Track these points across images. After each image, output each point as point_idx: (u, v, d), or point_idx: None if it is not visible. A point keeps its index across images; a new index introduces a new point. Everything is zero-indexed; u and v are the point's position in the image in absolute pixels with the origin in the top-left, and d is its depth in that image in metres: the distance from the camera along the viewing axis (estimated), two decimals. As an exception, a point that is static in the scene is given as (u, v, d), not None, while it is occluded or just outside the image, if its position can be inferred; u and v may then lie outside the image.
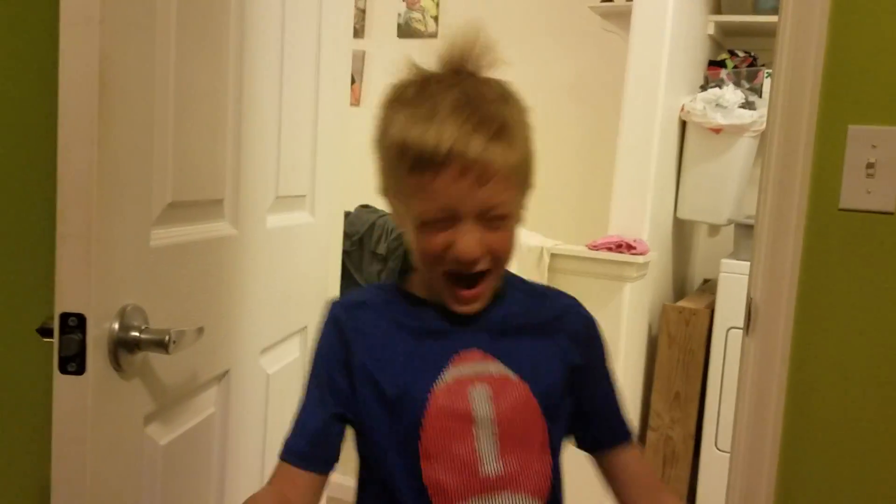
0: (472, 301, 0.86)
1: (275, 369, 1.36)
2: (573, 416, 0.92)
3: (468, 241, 0.81)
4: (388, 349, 0.87)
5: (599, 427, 0.94)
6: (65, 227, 0.80)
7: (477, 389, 0.84)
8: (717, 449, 2.44)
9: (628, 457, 0.94)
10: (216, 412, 1.15)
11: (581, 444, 0.95)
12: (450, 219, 0.81)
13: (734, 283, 2.35)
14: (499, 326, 0.89)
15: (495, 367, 0.86)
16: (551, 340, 0.90)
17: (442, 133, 0.77)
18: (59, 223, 0.80)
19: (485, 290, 0.86)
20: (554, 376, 0.88)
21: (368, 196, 3.02)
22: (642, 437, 2.51)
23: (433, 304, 0.89)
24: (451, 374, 0.84)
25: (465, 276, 0.84)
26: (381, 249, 2.81)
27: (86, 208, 0.80)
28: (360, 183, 2.40)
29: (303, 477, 0.86)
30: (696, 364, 2.46)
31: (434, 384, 0.84)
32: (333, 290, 1.69)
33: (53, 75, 0.79)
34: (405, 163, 0.80)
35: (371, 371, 0.86)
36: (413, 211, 0.82)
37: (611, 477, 0.94)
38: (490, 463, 0.83)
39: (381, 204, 3.26)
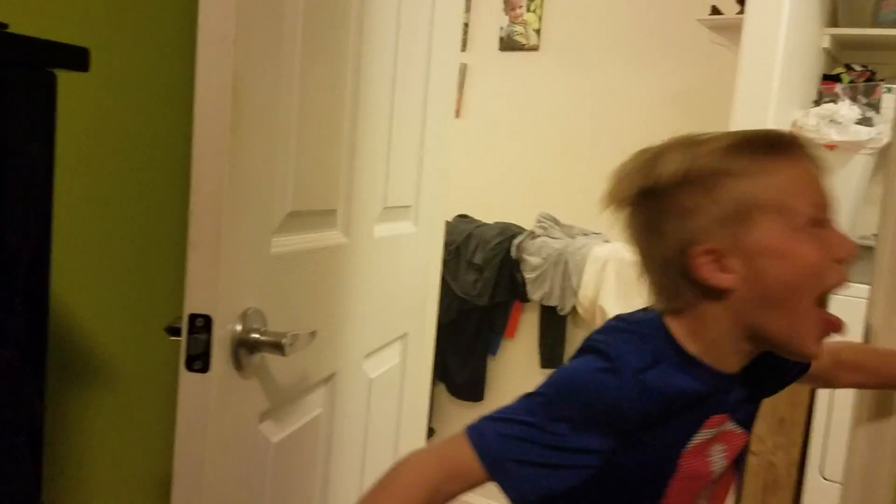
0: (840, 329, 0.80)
1: (376, 374, 1.39)
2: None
3: (845, 234, 0.77)
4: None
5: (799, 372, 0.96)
6: (196, 235, 0.85)
7: (715, 447, 0.85)
8: (823, 478, 2.32)
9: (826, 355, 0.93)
10: (322, 413, 1.19)
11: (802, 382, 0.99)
12: (826, 218, 0.77)
13: (845, 304, 2.23)
14: (748, 392, 0.87)
15: (729, 424, 0.86)
16: (769, 391, 0.92)
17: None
18: (191, 230, 0.85)
19: None
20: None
21: (466, 206, 3.06)
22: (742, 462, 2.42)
23: (703, 363, 0.81)
24: (700, 435, 0.83)
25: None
26: (478, 259, 2.83)
27: (215, 217, 0.84)
28: (458, 193, 2.42)
29: (476, 476, 0.76)
30: (802, 388, 2.35)
31: (685, 447, 0.82)
32: (433, 298, 1.72)
33: (189, 91, 0.84)
34: (782, 151, 0.78)
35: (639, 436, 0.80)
36: (800, 210, 0.76)
37: (834, 378, 1.03)
38: None
39: (477, 213, 3.24)
